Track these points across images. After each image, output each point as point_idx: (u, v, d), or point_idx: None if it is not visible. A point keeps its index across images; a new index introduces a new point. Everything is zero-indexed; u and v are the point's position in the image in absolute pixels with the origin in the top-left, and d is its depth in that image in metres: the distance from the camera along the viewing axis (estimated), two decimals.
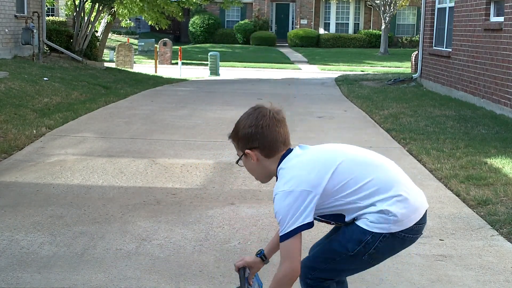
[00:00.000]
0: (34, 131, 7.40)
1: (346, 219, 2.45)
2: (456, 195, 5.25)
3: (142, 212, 4.58)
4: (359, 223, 2.41)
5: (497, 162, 6.29)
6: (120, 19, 22.78)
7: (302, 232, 2.34)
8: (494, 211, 4.72)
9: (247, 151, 2.48)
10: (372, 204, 2.38)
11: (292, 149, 2.50)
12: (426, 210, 2.52)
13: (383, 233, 2.38)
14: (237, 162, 2.60)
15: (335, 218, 2.49)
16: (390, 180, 2.44)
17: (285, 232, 2.31)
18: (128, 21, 25.92)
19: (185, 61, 25.88)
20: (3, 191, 5.03)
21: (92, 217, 4.43)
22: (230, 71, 23.61)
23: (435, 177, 5.88)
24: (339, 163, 2.42)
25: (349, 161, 2.46)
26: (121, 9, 20.61)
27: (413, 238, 2.50)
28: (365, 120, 9.61)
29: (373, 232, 2.38)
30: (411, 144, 7.33)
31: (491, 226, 4.45)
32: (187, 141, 7.33)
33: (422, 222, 2.50)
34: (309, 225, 2.32)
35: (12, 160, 6.15)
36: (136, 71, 20.76)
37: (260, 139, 2.44)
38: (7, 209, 4.55)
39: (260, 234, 4.15)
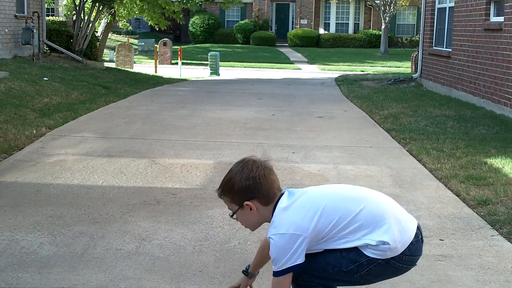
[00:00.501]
0: (34, 131, 7.40)
1: None
2: (456, 195, 5.25)
3: (142, 212, 4.58)
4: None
5: (497, 162, 6.29)
6: (119, 20, 22.77)
7: None
8: (494, 211, 4.72)
9: (246, 203, 2.56)
10: (363, 237, 2.48)
11: (282, 194, 2.60)
12: (422, 241, 2.62)
13: (378, 259, 2.49)
14: (231, 216, 2.66)
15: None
16: (379, 210, 2.54)
17: (278, 270, 2.48)
18: (126, 23, 25.95)
19: (185, 61, 25.89)
20: (3, 191, 5.03)
21: (92, 217, 4.43)
22: (230, 71, 23.62)
23: (435, 177, 5.88)
24: (325, 204, 2.52)
25: (336, 200, 2.57)
26: (121, 10, 20.61)
27: (407, 268, 2.60)
28: (365, 120, 9.61)
29: (368, 256, 2.48)
30: (411, 144, 7.33)
31: (491, 226, 4.45)
32: (187, 141, 7.33)
33: (418, 253, 2.59)
34: (300, 265, 2.48)
35: (12, 160, 6.15)
36: (136, 71, 20.77)
37: (259, 190, 2.54)
38: (7, 209, 4.55)
39: (260, 234, 4.15)
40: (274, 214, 2.54)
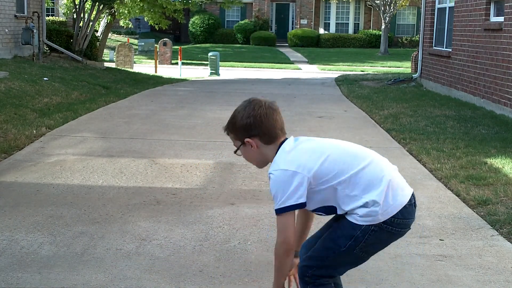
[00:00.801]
0: (34, 131, 7.40)
1: (338, 212, 2.59)
2: (456, 195, 5.25)
3: (142, 212, 4.58)
4: (349, 218, 2.54)
5: (497, 162, 6.29)
6: (120, 18, 22.76)
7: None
8: (494, 211, 4.72)
9: (247, 139, 2.62)
10: (361, 194, 2.51)
11: (287, 138, 2.65)
12: (415, 206, 2.63)
13: (371, 226, 2.51)
14: (235, 152, 2.72)
15: (326, 210, 2.62)
16: (378, 171, 2.56)
17: (280, 207, 2.49)
18: (127, 21, 25.94)
19: (185, 61, 25.88)
20: (3, 191, 5.03)
21: (92, 217, 4.43)
22: (230, 71, 23.62)
23: (435, 177, 5.88)
24: (329, 153, 2.56)
25: (340, 153, 2.60)
26: (122, 9, 20.61)
27: (400, 232, 2.60)
28: (365, 120, 9.61)
29: (362, 226, 2.51)
30: (411, 144, 7.33)
31: (491, 226, 4.45)
32: (187, 141, 7.33)
33: (410, 217, 2.60)
34: (302, 205, 2.50)
35: (12, 160, 6.15)
36: (136, 71, 20.77)
37: (259, 128, 2.59)
38: (7, 209, 4.55)
39: (260, 234, 4.15)
40: (277, 154, 2.58)
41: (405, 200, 2.56)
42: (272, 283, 2.64)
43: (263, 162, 2.70)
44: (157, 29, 25.21)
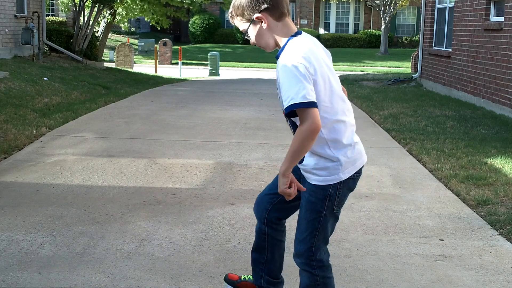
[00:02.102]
0: (34, 131, 7.40)
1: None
2: (456, 195, 5.25)
3: (142, 212, 4.58)
4: (314, 182, 2.60)
5: (497, 162, 6.29)
6: (119, 23, 22.79)
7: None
8: (494, 211, 4.72)
9: (256, 15, 2.55)
10: (329, 144, 2.56)
11: (301, 32, 2.61)
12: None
13: (337, 183, 2.58)
14: (244, 35, 2.65)
15: (294, 125, 2.60)
16: (350, 134, 2.63)
17: (294, 103, 2.39)
18: (126, 24, 26.01)
19: (185, 61, 25.89)
20: (3, 191, 5.03)
21: (92, 217, 4.43)
22: (230, 71, 23.62)
23: (435, 177, 5.88)
24: (331, 80, 2.57)
25: (338, 92, 2.62)
26: (122, 9, 20.62)
27: (358, 177, 2.70)
28: (365, 120, 9.61)
29: (330, 184, 2.58)
30: (411, 144, 7.33)
31: (491, 226, 4.45)
32: (187, 141, 7.33)
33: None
34: (316, 105, 2.41)
35: (12, 160, 6.15)
36: (136, 71, 20.77)
37: (268, 0, 2.53)
38: (7, 209, 4.55)
39: None
40: (289, 42, 2.53)
41: (363, 162, 2.68)
42: (281, 167, 2.47)
43: (272, 45, 2.61)
44: (158, 28, 25.22)
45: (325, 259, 2.70)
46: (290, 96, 2.40)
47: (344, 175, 2.60)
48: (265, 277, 3.02)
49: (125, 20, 22.46)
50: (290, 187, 2.49)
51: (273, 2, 2.53)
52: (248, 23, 2.60)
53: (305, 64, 2.42)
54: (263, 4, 2.53)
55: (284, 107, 2.45)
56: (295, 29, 2.61)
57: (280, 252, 3.00)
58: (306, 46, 2.51)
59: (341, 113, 2.60)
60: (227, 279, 3.19)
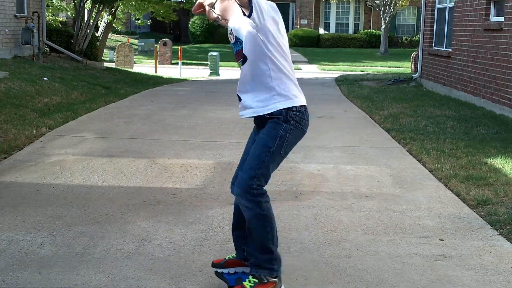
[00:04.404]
0: (34, 131, 7.40)
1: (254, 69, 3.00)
2: (456, 195, 5.25)
3: (142, 212, 4.58)
4: (270, 110, 2.99)
5: (497, 162, 6.29)
6: (116, 25, 22.84)
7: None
8: (494, 211, 4.72)
9: None
10: (277, 78, 3.00)
11: None
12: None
13: (290, 125, 2.98)
14: (211, 8, 3.04)
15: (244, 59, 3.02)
16: (295, 80, 3.11)
17: None
18: (122, 26, 26.10)
19: (185, 61, 25.89)
20: (3, 191, 5.03)
21: (92, 217, 4.43)
22: (230, 71, 23.62)
23: (435, 177, 5.88)
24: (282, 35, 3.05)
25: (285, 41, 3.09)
26: (122, 9, 20.65)
27: (304, 131, 3.10)
28: (365, 120, 9.61)
29: (283, 124, 2.97)
30: (411, 144, 7.33)
31: (491, 226, 4.45)
32: (187, 141, 7.33)
33: (308, 120, 3.11)
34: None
35: (12, 160, 6.15)
36: (136, 71, 20.77)
37: None
38: (7, 209, 4.55)
39: None
40: None
41: (304, 101, 3.09)
42: None
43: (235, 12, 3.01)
44: (168, 22, 25.19)
45: (265, 193, 3.02)
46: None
47: (297, 102, 3.09)
48: (248, 249, 3.21)
49: (121, 23, 22.51)
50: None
51: None
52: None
53: (267, 2, 2.89)
54: None
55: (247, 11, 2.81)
56: None
57: None
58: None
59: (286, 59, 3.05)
60: (213, 264, 3.34)
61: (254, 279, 2.97)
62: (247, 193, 2.95)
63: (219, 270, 3.30)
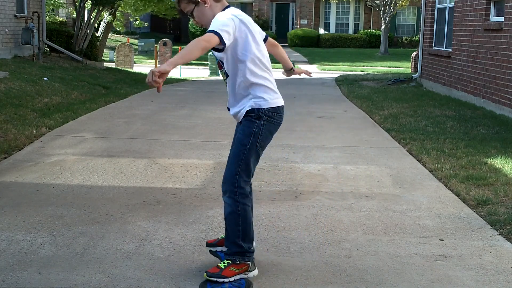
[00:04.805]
0: (34, 131, 7.40)
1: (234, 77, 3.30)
2: (456, 195, 5.25)
3: (142, 212, 4.58)
4: (248, 107, 3.29)
5: (497, 162, 6.29)
6: (116, 22, 22.85)
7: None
8: (494, 211, 4.72)
9: None
10: (254, 84, 3.29)
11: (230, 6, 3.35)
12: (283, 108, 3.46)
13: (262, 121, 3.28)
14: (190, 15, 3.32)
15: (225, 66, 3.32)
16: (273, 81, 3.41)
17: (210, 30, 3.07)
18: (121, 27, 26.13)
19: None
20: (3, 191, 5.03)
21: (92, 217, 4.43)
22: None
23: (435, 177, 5.88)
24: (258, 35, 3.35)
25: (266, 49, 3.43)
26: (123, 8, 20.65)
27: (279, 123, 3.41)
28: (365, 120, 9.61)
29: (255, 121, 3.27)
30: (411, 144, 7.33)
31: (491, 226, 4.45)
32: (187, 141, 7.33)
33: (283, 113, 3.42)
34: (221, 39, 3.05)
35: (12, 160, 6.15)
36: (136, 71, 20.77)
37: None
38: (7, 209, 4.55)
39: (260, 234, 4.15)
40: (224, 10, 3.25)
41: (281, 102, 3.39)
42: (167, 62, 2.88)
43: (211, 21, 3.20)
44: (169, 18, 25.21)
45: (246, 189, 3.28)
46: (212, 27, 3.07)
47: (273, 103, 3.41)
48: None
49: (121, 24, 22.51)
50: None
51: None
52: (193, 5, 3.31)
53: (234, 18, 3.15)
54: None
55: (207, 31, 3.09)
56: (226, 4, 3.34)
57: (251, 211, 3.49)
58: (238, 11, 3.25)
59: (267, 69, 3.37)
60: (207, 244, 3.64)
61: (228, 261, 3.31)
62: (230, 191, 3.25)
63: (213, 248, 3.62)
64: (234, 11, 3.24)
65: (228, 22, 3.11)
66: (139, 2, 20.96)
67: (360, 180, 5.71)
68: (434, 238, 4.18)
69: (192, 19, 3.38)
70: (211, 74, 21.80)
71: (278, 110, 3.34)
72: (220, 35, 3.04)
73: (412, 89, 14.17)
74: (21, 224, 4.22)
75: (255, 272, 3.37)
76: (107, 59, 24.35)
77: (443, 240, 4.16)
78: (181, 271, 3.53)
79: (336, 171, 6.04)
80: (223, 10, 3.28)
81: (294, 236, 4.16)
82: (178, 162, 6.21)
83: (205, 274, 3.25)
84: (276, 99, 3.35)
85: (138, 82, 15.66)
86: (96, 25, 18.79)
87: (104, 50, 22.51)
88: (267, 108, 3.28)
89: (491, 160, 6.38)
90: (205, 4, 3.29)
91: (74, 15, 20.66)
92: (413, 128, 8.39)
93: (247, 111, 3.29)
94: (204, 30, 3.19)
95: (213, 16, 3.21)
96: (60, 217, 4.40)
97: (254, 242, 3.44)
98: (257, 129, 3.27)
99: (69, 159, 6.19)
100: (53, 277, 3.39)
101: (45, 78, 12.25)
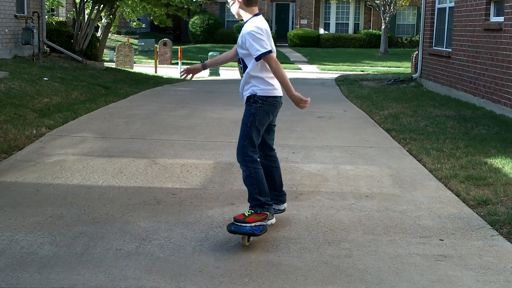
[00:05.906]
0: (34, 131, 7.40)
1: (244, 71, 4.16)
2: (456, 195, 5.25)
3: (142, 212, 4.58)
4: (248, 96, 4.10)
5: (497, 162, 6.29)
6: (128, 20, 22.84)
7: None
8: (494, 211, 4.72)
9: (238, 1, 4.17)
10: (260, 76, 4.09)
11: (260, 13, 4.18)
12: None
13: (260, 104, 4.04)
14: (228, 4, 4.24)
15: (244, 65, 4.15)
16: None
17: (261, 52, 3.97)
18: (139, 22, 26.16)
19: (185, 61, 25.88)
20: (3, 191, 5.03)
21: (92, 217, 4.43)
22: (230, 71, 23.60)
23: (435, 177, 5.88)
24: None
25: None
26: (123, 9, 20.64)
27: (277, 105, 4.15)
28: (365, 120, 9.61)
29: (253, 105, 4.04)
30: (411, 144, 7.33)
31: (491, 226, 4.45)
32: (187, 141, 7.33)
33: (281, 96, 4.17)
34: (270, 51, 4.02)
35: (12, 160, 6.15)
36: (136, 71, 20.77)
37: None
38: (7, 209, 4.55)
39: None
40: (251, 19, 4.11)
41: (276, 93, 4.14)
42: (292, 94, 4.00)
43: (238, 15, 4.22)
44: (161, 26, 25.27)
45: (255, 156, 4.07)
46: (255, 48, 3.95)
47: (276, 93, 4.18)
48: (272, 192, 4.32)
49: (116, 26, 22.49)
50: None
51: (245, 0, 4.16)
52: (233, 2, 4.22)
53: (260, 31, 3.98)
54: None
55: (254, 56, 3.97)
56: (257, 11, 4.16)
57: (277, 173, 4.42)
58: (262, 23, 4.06)
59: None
60: (235, 219, 3.99)
61: (251, 210, 4.03)
62: (241, 159, 4.06)
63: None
64: (259, 23, 4.07)
65: (262, 38, 3.99)
66: (137, 2, 20.94)
67: (360, 180, 5.71)
68: (434, 238, 4.18)
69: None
70: (211, 74, 21.80)
71: (270, 97, 4.09)
72: (271, 52, 4.04)
73: (412, 89, 14.17)
74: (21, 224, 4.22)
75: (273, 221, 4.10)
76: (107, 59, 24.36)
77: (443, 240, 4.16)
78: (181, 271, 3.53)
79: (336, 171, 6.04)
80: (250, 17, 4.12)
81: (294, 236, 4.17)
82: (178, 162, 6.21)
83: (233, 218, 3.99)
84: (270, 90, 4.10)
85: (138, 82, 15.66)
86: (96, 25, 18.79)
87: (104, 50, 22.51)
88: (261, 95, 4.06)
89: (491, 160, 6.39)
90: (237, 5, 4.22)
91: (74, 16, 20.68)
92: (413, 128, 8.40)
93: (247, 96, 4.10)
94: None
95: (239, 13, 4.20)
96: (60, 217, 4.40)
97: (284, 202, 4.42)
98: (254, 111, 4.05)
99: (69, 159, 6.19)
100: (53, 277, 3.39)
101: (45, 78, 12.25)
